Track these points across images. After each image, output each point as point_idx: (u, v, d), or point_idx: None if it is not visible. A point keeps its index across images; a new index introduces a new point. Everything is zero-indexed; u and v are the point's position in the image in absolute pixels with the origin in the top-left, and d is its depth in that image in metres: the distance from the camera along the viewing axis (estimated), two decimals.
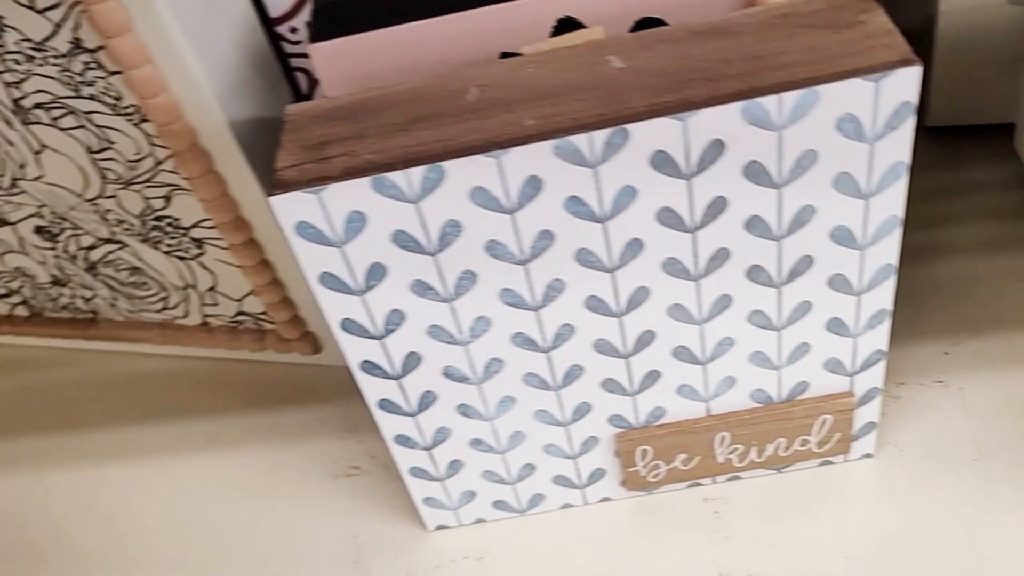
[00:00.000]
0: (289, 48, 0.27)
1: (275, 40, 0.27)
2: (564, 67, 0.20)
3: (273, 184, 0.19)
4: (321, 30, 0.23)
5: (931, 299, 0.29)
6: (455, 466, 0.25)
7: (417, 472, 0.25)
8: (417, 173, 0.18)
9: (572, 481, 0.26)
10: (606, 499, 0.26)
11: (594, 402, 0.23)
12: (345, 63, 0.22)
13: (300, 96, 0.28)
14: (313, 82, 0.28)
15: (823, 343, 0.22)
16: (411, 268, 0.20)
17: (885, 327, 0.22)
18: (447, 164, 0.18)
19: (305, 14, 0.26)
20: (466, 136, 0.18)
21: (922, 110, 0.34)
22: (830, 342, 0.22)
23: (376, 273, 0.20)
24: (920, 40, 0.33)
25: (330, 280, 0.20)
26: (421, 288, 0.20)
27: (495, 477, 0.25)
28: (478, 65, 0.20)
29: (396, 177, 0.18)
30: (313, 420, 0.31)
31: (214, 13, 0.24)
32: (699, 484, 0.26)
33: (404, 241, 0.19)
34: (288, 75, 0.27)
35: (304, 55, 0.27)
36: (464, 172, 0.18)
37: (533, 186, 0.19)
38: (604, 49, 0.20)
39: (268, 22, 0.26)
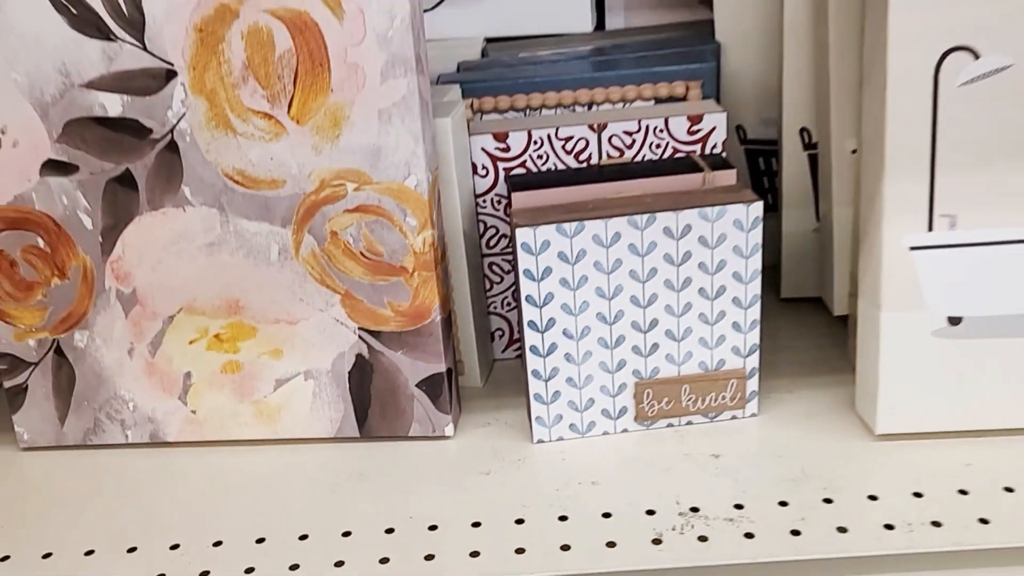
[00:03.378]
0: (479, 209, 0.56)
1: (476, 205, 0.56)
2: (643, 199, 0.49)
3: (514, 224, 0.46)
4: (515, 187, 0.52)
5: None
6: (555, 396, 0.50)
7: (537, 398, 0.50)
8: (611, 226, 0.46)
9: (610, 414, 0.51)
10: (625, 430, 0.51)
11: (627, 360, 0.49)
12: (532, 201, 0.51)
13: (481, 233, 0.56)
14: (487, 226, 0.56)
15: (731, 336, 0.50)
16: (579, 277, 0.47)
17: (758, 330, 0.50)
18: (613, 221, 0.46)
19: (491, 195, 0.55)
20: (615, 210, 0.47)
21: (777, 287, 0.63)
22: (734, 337, 0.50)
23: (574, 281, 0.47)
24: (772, 249, 0.63)
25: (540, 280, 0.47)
26: (569, 284, 0.47)
27: (574, 406, 0.50)
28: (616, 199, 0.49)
29: (596, 226, 0.46)
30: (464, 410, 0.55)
31: (457, 187, 0.53)
32: (671, 425, 0.51)
33: (594, 267, 0.47)
34: (480, 221, 0.56)
35: (488, 214, 0.56)
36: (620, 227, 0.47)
37: (633, 245, 0.47)
38: (641, 198, 0.49)
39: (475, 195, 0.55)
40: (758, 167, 0.64)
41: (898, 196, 0.45)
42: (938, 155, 0.44)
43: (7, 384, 0.54)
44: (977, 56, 0.43)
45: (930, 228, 0.45)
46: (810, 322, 0.61)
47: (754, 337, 0.50)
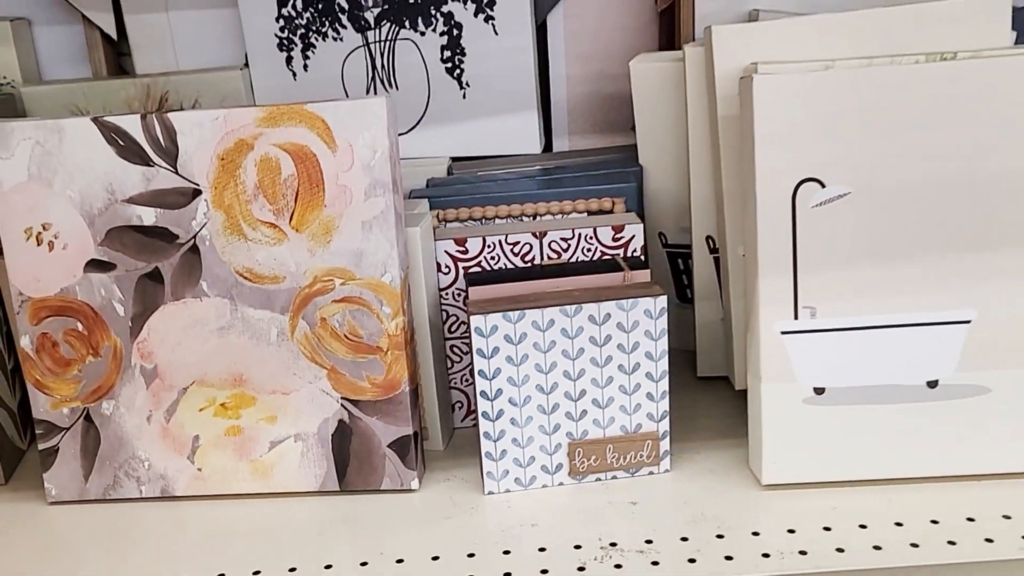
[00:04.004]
0: (443, 301, 0.67)
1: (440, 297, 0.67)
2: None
3: (469, 312, 0.58)
4: (472, 282, 0.63)
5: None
6: (503, 454, 0.61)
7: (488, 456, 0.60)
8: (546, 314, 0.58)
9: (548, 469, 0.61)
10: (561, 483, 0.62)
11: (561, 424, 0.60)
12: (485, 294, 0.63)
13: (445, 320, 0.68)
14: (449, 315, 0.68)
15: (645, 405, 0.61)
16: (522, 355, 0.58)
17: (667, 399, 0.61)
18: (549, 310, 0.58)
19: (452, 288, 0.67)
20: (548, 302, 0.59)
21: (694, 367, 0.75)
22: (648, 405, 0.61)
23: (517, 358, 0.58)
24: (690, 335, 0.75)
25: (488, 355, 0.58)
26: (513, 361, 0.59)
27: (518, 463, 0.61)
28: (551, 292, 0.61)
29: (535, 314, 0.58)
30: (427, 468, 0.65)
31: (424, 282, 0.65)
32: (599, 479, 0.62)
33: (533, 346, 0.58)
34: (443, 310, 0.67)
35: (450, 305, 0.67)
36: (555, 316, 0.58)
37: (565, 329, 0.58)
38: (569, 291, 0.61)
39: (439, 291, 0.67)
40: (677, 266, 0.77)
41: (769, 291, 0.57)
42: (799, 260, 0.57)
43: (41, 446, 0.64)
44: (823, 185, 0.56)
45: (796, 316, 0.57)
46: (720, 396, 0.72)
47: (664, 405, 0.61)
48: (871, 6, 0.62)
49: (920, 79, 0.55)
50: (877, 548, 0.53)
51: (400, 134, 0.81)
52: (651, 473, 0.62)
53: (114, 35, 0.81)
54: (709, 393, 0.73)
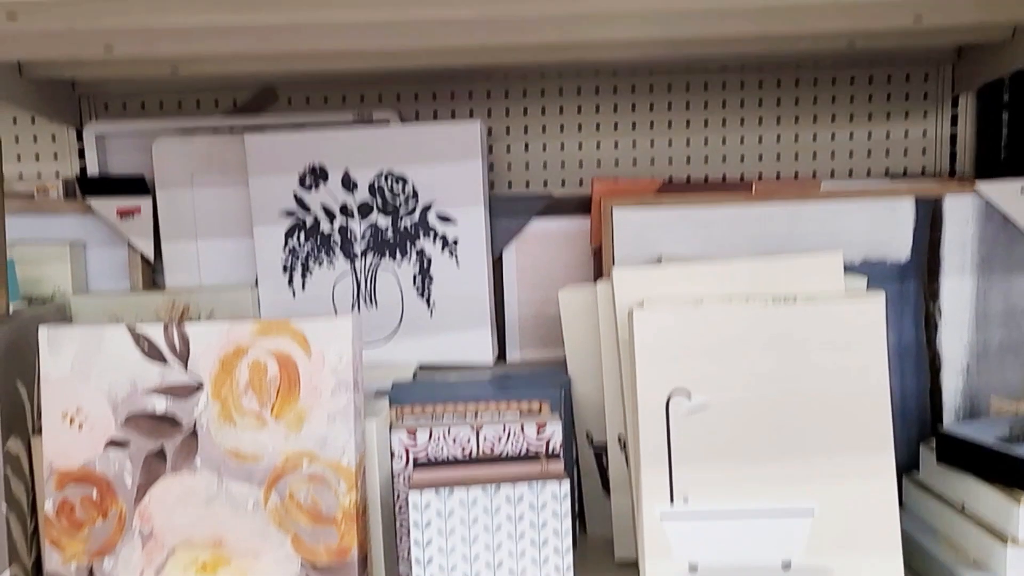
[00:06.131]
0: (396, 484, 0.81)
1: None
2: None
3: (408, 487, 0.71)
4: (418, 466, 0.77)
5: None
6: None
7: None
8: (471, 492, 0.72)
9: None
10: None
11: None
12: (427, 475, 0.76)
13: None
14: (401, 496, 0.81)
15: (554, 575, 0.73)
16: (450, 528, 0.72)
17: (572, 571, 0.73)
18: (472, 488, 0.72)
19: (404, 472, 0.81)
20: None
21: (612, 552, 0.86)
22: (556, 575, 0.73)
23: (446, 530, 0.71)
24: (610, 523, 0.87)
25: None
26: (443, 533, 0.72)
27: None
28: None
29: (460, 492, 0.71)
30: None
31: (377, 466, 0.79)
32: None
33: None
34: (396, 492, 0.81)
35: (402, 487, 0.81)
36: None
37: (486, 507, 0.72)
38: None
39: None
40: (602, 462, 0.90)
41: (650, 482, 0.71)
42: (673, 456, 0.70)
43: None
44: (690, 397, 0.71)
45: (672, 503, 0.70)
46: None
47: (569, 572, 0.73)
48: (747, 254, 0.79)
49: (767, 316, 0.71)
50: None
51: (377, 343, 0.97)
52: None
53: (152, 258, 1.00)
54: (624, 575, 0.85)
